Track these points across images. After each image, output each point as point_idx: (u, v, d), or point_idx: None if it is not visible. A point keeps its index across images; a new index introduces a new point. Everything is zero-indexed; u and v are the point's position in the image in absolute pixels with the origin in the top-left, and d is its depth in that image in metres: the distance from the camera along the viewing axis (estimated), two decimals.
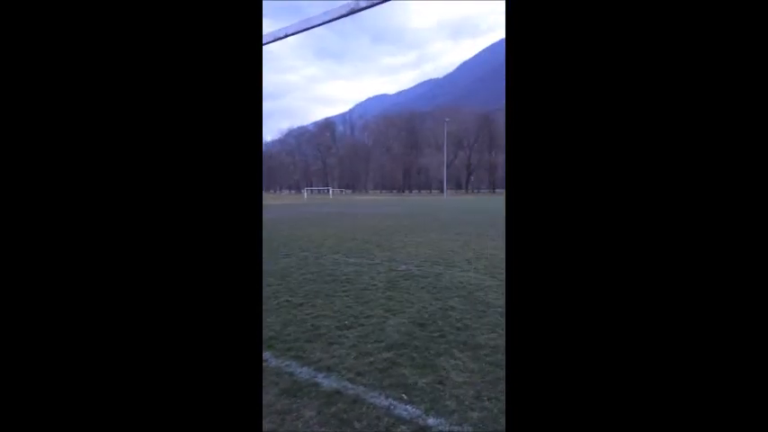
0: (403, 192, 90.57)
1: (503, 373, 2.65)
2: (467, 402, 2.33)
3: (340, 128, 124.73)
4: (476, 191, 66.70)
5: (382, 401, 2.35)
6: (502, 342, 3.20)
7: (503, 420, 2.14)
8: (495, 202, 30.48)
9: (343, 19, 1.57)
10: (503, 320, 3.72)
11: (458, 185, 67.68)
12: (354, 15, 1.54)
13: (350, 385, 2.55)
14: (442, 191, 60.98)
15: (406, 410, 2.26)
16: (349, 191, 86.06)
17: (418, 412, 2.24)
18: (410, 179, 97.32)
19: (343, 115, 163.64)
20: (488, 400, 2.36)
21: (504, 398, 2.35)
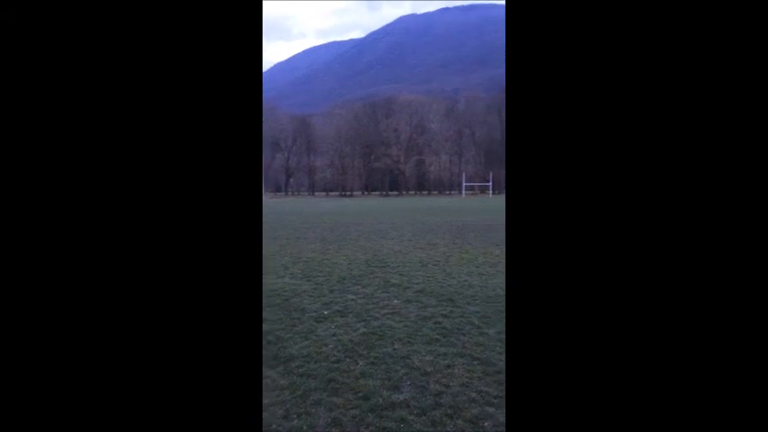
0: None
1: (315, 383, 2.57)
2: (273, 426, 2.14)
3: None
4: (296, 193, 66.92)
5: None
6: (315, 349, 3.13)
7: None
8: (315, 205, 31.01)
9: None
10: (318, 325, 3.67)
11: (277, 188, 66.63)
12: None
13: None
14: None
15: None
16: None
17: None
18: None
19: None
20: (298, 417, 2.23)
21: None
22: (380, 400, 2.40)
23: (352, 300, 4.51)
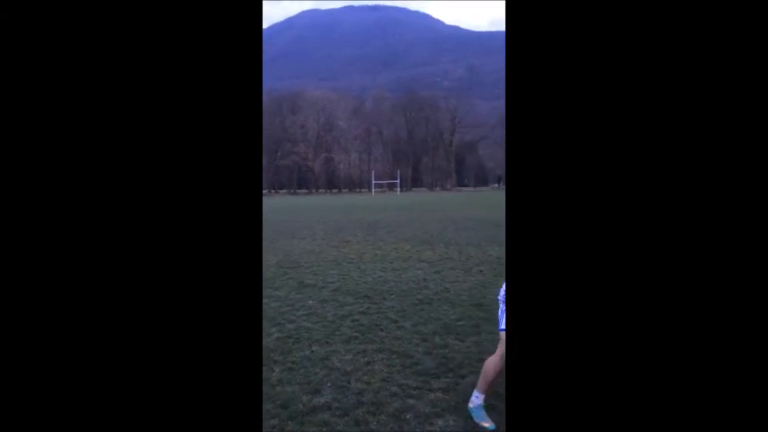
0: None
1: None
2: None
3: None
4: None
5: None
6: None
7: None
8: None
9: None
10: None
11: None
12: None
13: None
14: None
15: None
16: None
17: None
18: None
19: None
20: None
21: None
22: (300, 406, 2.31)
23: (265, 304, 4.29)
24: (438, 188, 63.66)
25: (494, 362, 2.18)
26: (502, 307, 2.23)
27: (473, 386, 2.28)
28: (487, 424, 2.12)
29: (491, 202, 24.81)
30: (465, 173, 74.11)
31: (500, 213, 15.71)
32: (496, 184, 73.06)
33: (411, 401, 2.34)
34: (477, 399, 2.20)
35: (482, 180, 76.64)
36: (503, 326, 2.18)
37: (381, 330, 3.49)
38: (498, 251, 7.32)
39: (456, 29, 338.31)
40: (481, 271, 5.82)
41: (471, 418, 2.18)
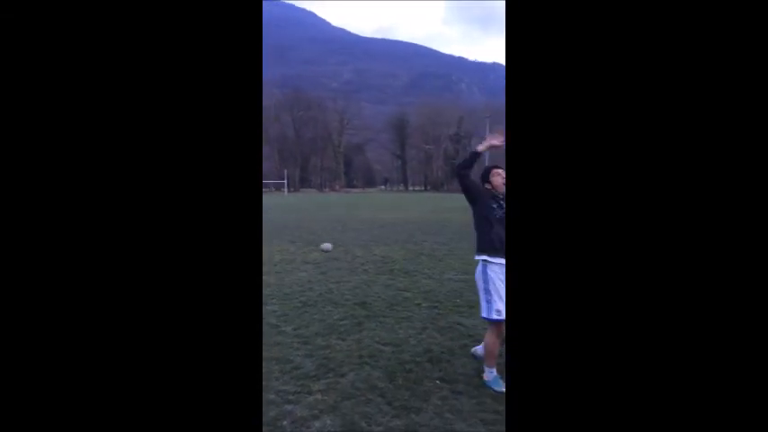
0: None
1: None
2: None
3: None
4: None
5: None
6: None
7: None
8: None
9: None
10: None
11: None
12: None
13: None
14: None
15: None
16: None
17: None
18: None
19: None
20: None
21: None
22: None
23: None
24: (327, 189, 63.57)
25: (491, 338, 2.54)
26: (483, 296, 2.52)
27: (364, 381, 2.31)
28: (505, 389, 2.35)
29: (378, 203, 25.70)
30: (353, 174, 75.45)
31: (386, 214, 16.37)
32: (383, 186, 76.01)
33: (288, 407, 2.28)
34: (490, 373, 2.53)
35: (370, 182, 78.93)
36: (484, 314, 2.53)
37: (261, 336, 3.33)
38: (384, 250, 7.60)
39: (343, 31, 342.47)
40: (366, 270, 5.97)
41: (491, 389, 2.46)
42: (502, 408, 2.27)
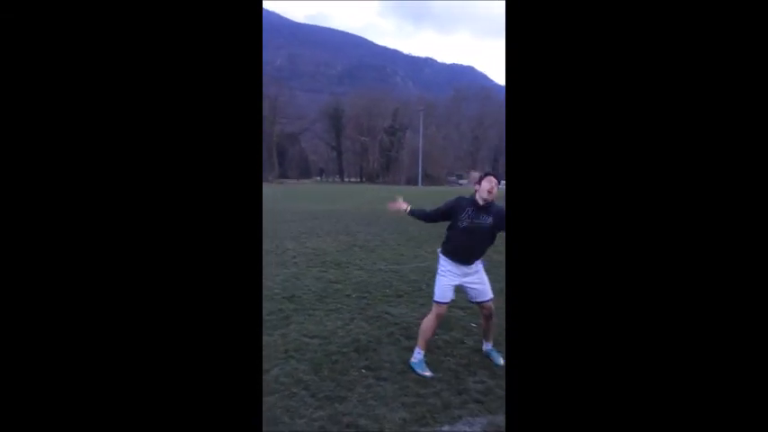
0: None
1: None
2: None
3: None
4: None
5: None
6: None
7: None
8: None
9: None
10: None
11: None
12: None
13: None
14: None
15: None
16: None
17: None
18: None
19: None
20: None
21: None
22: None
23: None
24: None
25: (429, 321, 2.66)
26: (439, 279, 2.68)
27: (313, 370, 2.29)
28: (427, 373, 2.56)
29: (313, 195, 25.32)
30: (287, 165, 73.38)
31: (320, 206, 16.19)
32: (319, 177, 74.88)
33: None
34: (418, 354, 2.66)
35: (305, 173, 77.32)
36: (436, 297, 2.67)
37: None
38: (316, 243, 7.53)
39: (274, 14, 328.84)
40: (297, 263, 5.88)
41: (415, 372, 2.58)
42: (423, 391, 2.39)
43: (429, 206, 2.86)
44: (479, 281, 2.71)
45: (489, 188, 2.53)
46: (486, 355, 2.86)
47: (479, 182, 2.60)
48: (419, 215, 2.83)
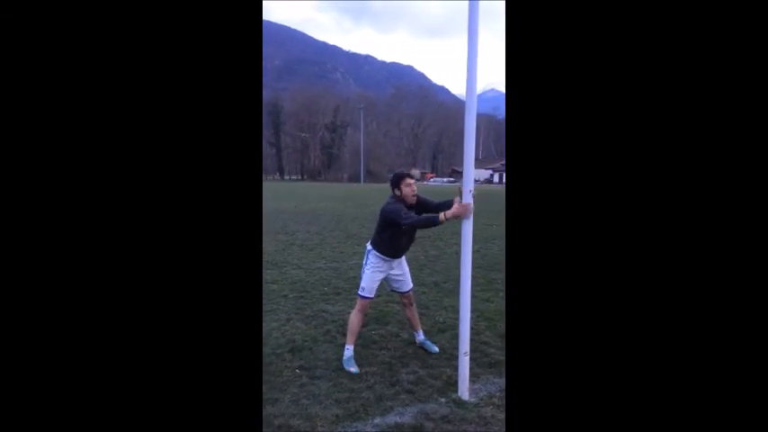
0: None
1: None
2: None
3: None
4: None
5: None
6: None
7: None
8: None
9: None
10: None
11: None
12: None
13: None
14: None
15: None
16: None
17: None
18: None
19: None
20: None
21: None
22: None
23: None
24: None
25: (356, 316, 2.74)
26: (370, 275, 2.72)
27: None
28: (353, 369, 2.60)
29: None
30: None
31: (270, 204, 15.63)
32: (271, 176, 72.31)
33: None
34: (347, 351, 2.71)
35: None
36: (364, 292, 2.73)
37: None
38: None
39: None
40: None
41: (342, 367, 2.63)
42: (357, 386, 2.42)
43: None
44: (402, 272, 2.85)
45: (413, 192, 2.62)
46: (421, 346, 2.96)
47: (398, 187, 2.62)
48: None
